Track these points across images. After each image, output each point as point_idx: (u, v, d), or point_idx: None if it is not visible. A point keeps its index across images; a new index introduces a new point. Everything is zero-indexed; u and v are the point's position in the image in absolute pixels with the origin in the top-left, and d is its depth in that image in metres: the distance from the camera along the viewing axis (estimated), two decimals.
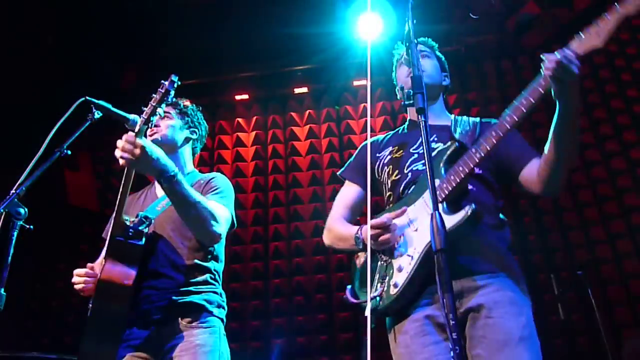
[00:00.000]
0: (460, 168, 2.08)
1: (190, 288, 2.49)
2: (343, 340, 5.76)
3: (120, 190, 2.40)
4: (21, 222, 2.25)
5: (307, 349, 5.75)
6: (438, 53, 2.66)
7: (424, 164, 2.25)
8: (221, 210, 2.52)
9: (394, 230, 2.14)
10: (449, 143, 2.30)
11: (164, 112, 2.85)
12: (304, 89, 7.11)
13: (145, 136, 2.35)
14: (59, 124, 2.47)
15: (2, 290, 2.13)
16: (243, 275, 6.22)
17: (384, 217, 2.15)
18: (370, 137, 2.56)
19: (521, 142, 2.34)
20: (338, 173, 2.71)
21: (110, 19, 6.02)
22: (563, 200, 5.82)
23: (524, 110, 1.99)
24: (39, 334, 5.68)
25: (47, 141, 2.42)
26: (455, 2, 6.38)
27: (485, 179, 2.29)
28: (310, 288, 6.04)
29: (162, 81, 2.37)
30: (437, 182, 2.13)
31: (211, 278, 2.59)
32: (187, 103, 2.99)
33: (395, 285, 2.08)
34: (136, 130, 2.27)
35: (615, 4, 1.84)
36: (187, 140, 2.89)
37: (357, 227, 2.33)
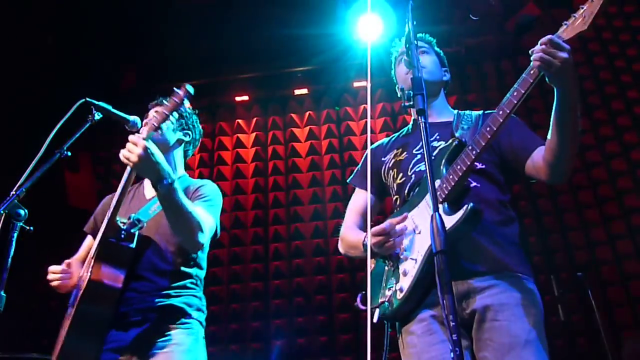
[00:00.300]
0: (458, 167, 2.06)
1: (171, 292, 2.50)
2: (343, 342, 5.76)
3: (119, 191, 2.41)
4: (21, 224, 2.25)
5: (307, 350, 5.74)
6: (436, 48, 2.64)
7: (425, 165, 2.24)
8: (208, 220, 2.52)
9: (396, 236, 2.13)
10: (450, 140, 2.28)
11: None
12: (304, 90, 7.11)
13: (151, 139, 2.33)
14: (59, 125, 2.47)
15: (2, 291, 2.13)
16: (243, 276, 6.22)
17: (385, 224, 2.14)
18: (370, 138, 2.55)
19: (524, 132, 2.31)
20: (348, 180, 2.70)
21: (110, 20, 6.03)
22: (563, 201, 5.82)
23: (515, 102, 2.00)
24: (39, 335, 5.67)
25: (47, 142, 2.42)
26: (456, 3, 6.39)
27: (488, 173, 2.26)
28: (310, 289, 6.04)
29: (176, 89, 2.35)
30: (438, 182, 2.11)
31: (191, 283, 2.62)
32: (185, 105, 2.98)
33: (401, 290, 2.08)
34: (143, 135, 2.27)
35: None
36: (179, 142, 2.86)
37: (364, 234, 2.31)
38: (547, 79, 1.96)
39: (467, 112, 2.47)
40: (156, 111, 2.36)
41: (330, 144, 6.78)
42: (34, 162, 2.36)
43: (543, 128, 2.15)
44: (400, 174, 2.37)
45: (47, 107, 4.88)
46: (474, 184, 2.20)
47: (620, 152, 5.73)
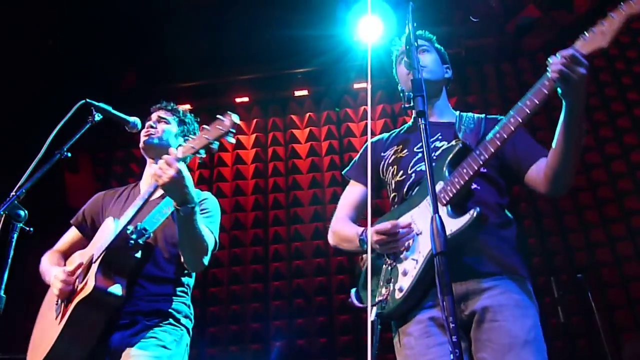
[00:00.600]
0: (464, 170, 2.06)
1: (160, 297, 2.51)
2: (343, 343, 5.75)
3: (140, 204, 2.41)
4: (21, 225, 2.24)
5: (307, 352, 5.74)
6: (437, 45, 2.62)
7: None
8: (211, 240, 2.54)
9: (400, 238, 2.13)
10: (453, 142, 2.28)
11: (162, 116, 2.85)
12: (304, 92, 7.11)
13: (184, 161, 2.31)
14: (59, 126, 2.47)
15: (2, 292, 2.12)
16: (243, 277, 6.22)
17: (388, 224, 2.12)
18: (371, 139, 2.54)
19: (528, 141, 2.31)
20: (343, 172, 2.68)
21: (111, 22, 6.03)
22: (563, 203, 5.82)
23: (528, 112, 1.97)
24: None
25: (47, 143, 2.42)
26: (456, 5, 6.39)
27: (489, 176, 2.26)
28: (310, 290, 6.04)
29: (220, 117, 2.24)
30: (441, 184, 2.11)
31: (181, 291, 2.61)
32: (187, 112, 2.99)
33: (401, 290, 2.07)
34: (179, 155, 2.26)
35: (621, 3, 1.84)
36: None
37: (362, 228, 2.30)
38: (559, 91, 1.96)
39: (469, 114, 2.47)
40: (198, 135, 2.29)
41: (330, 146, 6.78)
42: (34, 163, 2.36)
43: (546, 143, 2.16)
44: (401, 172, 2.36)
45: (47, 108, 4.88)
46: (474, 186, 2.19)
47: (620, 154, 5.73)
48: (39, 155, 2.39)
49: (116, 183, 2.80)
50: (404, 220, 2.17)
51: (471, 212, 1.96)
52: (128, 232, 2.39)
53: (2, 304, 2.10)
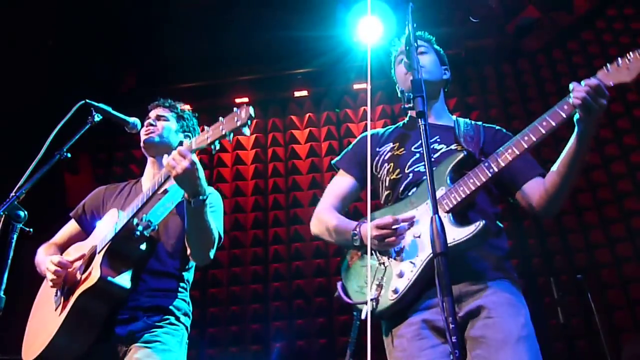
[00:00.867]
0: (471, 181, 2.07)
1: (160, 293, 2.50)
2: (342, 344, 5.74)
3: (149, 195, 2.39)
4: (21, 225, 2.25)
5: (307, 353, 5.74)
6: (436, 46, 2.62)
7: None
8: (216, 233, 2.53)
9: (399, 234, 2.12)
10: (452, 146, 2.29)
11: (160, 114, 2.86)
12: (304, 92, 7.11)
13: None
14: (59, 126, 2.47)
15: (2, 292, 2.12)
16: (243, 278, 6.21)
17: (389, 218, 2.10)
18: (365, 133, 2.54)
19: (526, 157, 2.30)
20: (333, 162, 2.61)
21: (111, 22, 6.03)
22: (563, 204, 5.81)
23: (543, 132, 1.99)
24: None
25: (47, 144, 2.42)
26: (456, 6, 6.40)
27: (487, 186, 2.26)
28: (310, 291, 6.04)
29: (236, 109, 2.14)
30: (443, 189, 2.12)
31: (182, 287, 2.61)
32: (185, 107, 2.99)
33: (396, 292, 2.06)
34: (193, 147, 2.25)
35: None
36: (181, 144, 2.87)
37: (355, 222, 2.28)
38: (575, 116, 1.99)
39: (466, 120, 2.48)
40: (213, 126, 2.27)
41: (330, 146, 6.78)
42: (33, 164, 2.36)
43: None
44: (397, 170, 2.35)
45: (47, 108, 4.88)
46: None
47: (619, 155, 5.73)
48: (39, 156, 2.39)
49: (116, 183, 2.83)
50: (404, 216, 2.16)
51: (477, 224, 1.98)
52: (134, 223, 2.39)
53: (2, 304, 2.10)
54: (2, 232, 2.18)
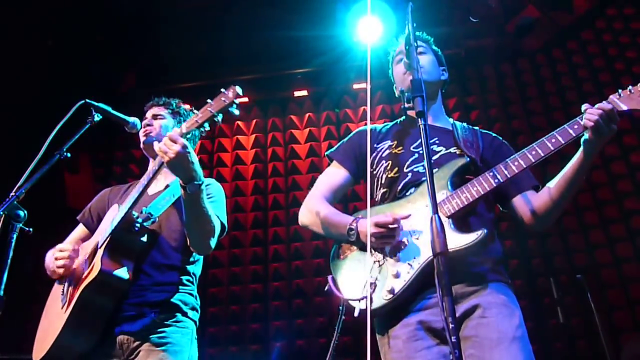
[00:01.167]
0: (475, 188, 2.10)
1: (166, 287, 2.49)
2: (342, 344, 5.75)
3: (144, 183, 2.41)
4: (21, 225, 2.24)
5: (307, 352, 5.74)
6: (434, 47, 2.61)
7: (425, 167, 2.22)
8: (217, 222, 2.53)
9: (398, 234, 2.11)
10: (452, 149, 2.30)
11: (156, 113, 2.87)
12: (304, 92, 7.11)
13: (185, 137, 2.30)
14: (58, 126, 2.47)
15: (2, 292, 2.12)
16: (243, 278, 6.21)
17: (389, 217, 2.09)
18: (361, 128, 2.53)
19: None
20: (327, 153, 2.59)
21: (110, 22, 6.03)
22: None
23: (552, 149, 2.05)
24: None
25: (46, 144, 2.42)
26: (455, 5, 6.39)
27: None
28: (310, 291, 6.03)
29: (223, 90, 2.26)
30: (443, 193, 2.13)
31: (188, 280, 2.60)
32: (181, 104, 2.99)
33: (391, 292, 2.05)
34: (183, 131, 2.26)
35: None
36: None
37: (351, 217, 2.26)
38: (583, 137, 2.05)
39: (463, 124, 2.48)
40: (201, 109, 2.30)
41: (330, 146, 6.70)
42: (33, 164, 2.36)
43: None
44: (395, 168, 2.33)
45: (47, 108, 4.88)
46: None
47: (619, 155, 5.72)
48: (39, 156, 2.39)
49: (116, 184, 2.81)
50: (403, 215, 2.15)
51: (479, 232, 2.00)
52: (134, 216, 2.39)
53: (2, 304, 2.10)
54: (2, 232, 2.18)
